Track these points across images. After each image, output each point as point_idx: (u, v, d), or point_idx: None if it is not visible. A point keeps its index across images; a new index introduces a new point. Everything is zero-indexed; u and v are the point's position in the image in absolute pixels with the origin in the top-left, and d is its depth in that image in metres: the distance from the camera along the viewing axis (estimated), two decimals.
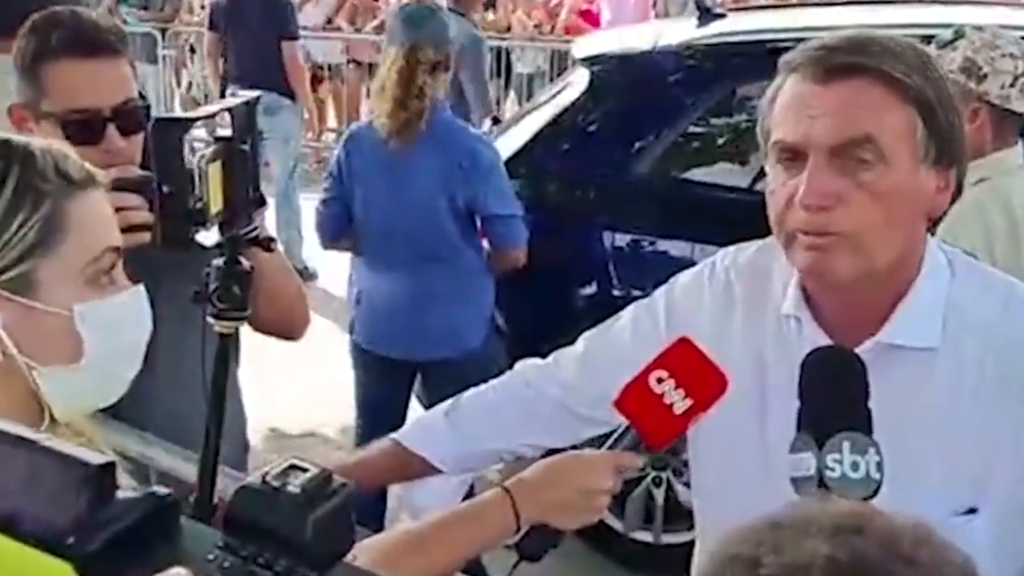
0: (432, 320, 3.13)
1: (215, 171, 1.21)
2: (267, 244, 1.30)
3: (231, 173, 1.23)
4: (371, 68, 8.24)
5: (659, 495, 3.41)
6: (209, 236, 1.24)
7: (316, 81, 8.76)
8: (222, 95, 6.45)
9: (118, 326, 1.09)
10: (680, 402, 1.20)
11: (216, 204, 1.21)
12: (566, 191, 3.57)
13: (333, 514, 0.69)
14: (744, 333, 1.33)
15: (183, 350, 1.51)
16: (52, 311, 1.04)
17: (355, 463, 1.53)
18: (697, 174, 3.59)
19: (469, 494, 2.82)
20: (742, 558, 0.62)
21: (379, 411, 3.24)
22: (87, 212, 1.06)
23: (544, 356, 1.54)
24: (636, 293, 3.49)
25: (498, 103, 8.69)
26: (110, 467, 0.71)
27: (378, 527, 2.99)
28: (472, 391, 1.55)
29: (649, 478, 3.40)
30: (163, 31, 8.71)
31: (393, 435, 1.52)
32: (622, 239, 3.48)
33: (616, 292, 3.47)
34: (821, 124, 1.14)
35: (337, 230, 3.23)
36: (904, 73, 1.14)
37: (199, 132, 1.36)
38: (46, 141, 1.08)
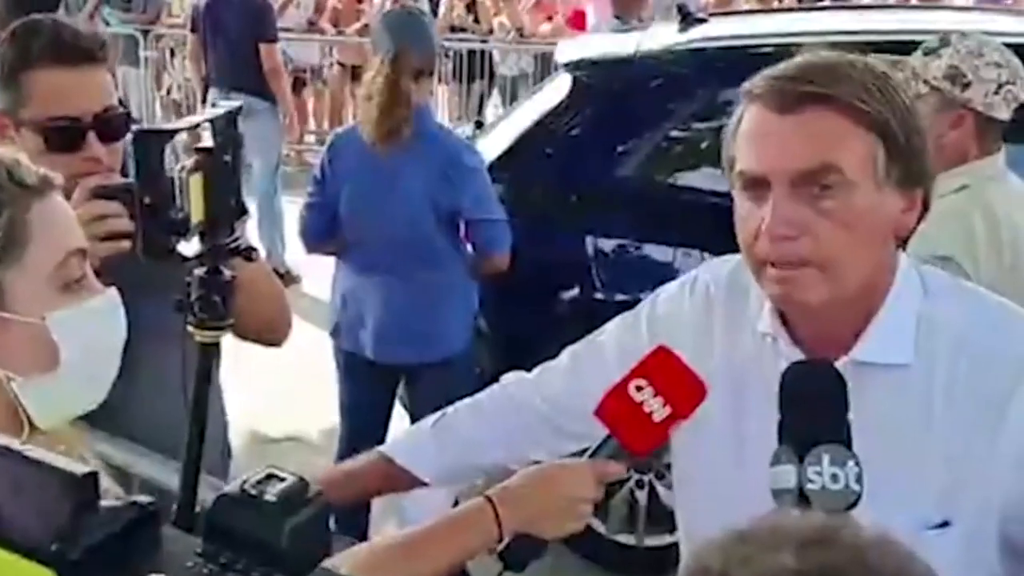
0: (416, 325, 3.14)
1: (196, 182, 1.21)
2: (248, 254, 1.31)
3: (212, 184, 1.23)
4: (355, 70, 8.25)
5: (642, 498, 3.43)
6: (190, 246, 1.24)
7: (298, 84, 8.75)
8: (204, 99, 6.44)
9: (93, 331, 1.09)
10: (659, 410, 1.21)
11: (197, 215, 1.22)
12: (549, 196, 3.59)
13: (309, 522, 0.71)
14: (723, 348, 1.34)
15: (165, 359, 1.52)
16: (25, 321, 1.04)
17: (343, 475, 1.54)
18: (680, 179, 3.61)
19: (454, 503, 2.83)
20: (712, 571, 0.63)
21: (363, 415, 3.26)
22: (47, 218, 1.06)
23: (527, 361, 1.55)
24: (619, 297, 3.53)
25: (481, 105, 8.73)
26: (92, 477, 0.72)
27: (362, 536, 3.00)
28: (458, 404, 1.56)
29: (632, 481, 3.42)
30: (145, 33, 8.68)
31: (380, 448, 1.53)
32: (605, 244, 3.50)
33: (599, 296, 3.49)
34: (782, 154, 1.16)
35: (321, 235, 3.24)
36: (862, 100, 1.15)
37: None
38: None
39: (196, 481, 1.27)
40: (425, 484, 1.52)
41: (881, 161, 1.16)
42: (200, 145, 1.24)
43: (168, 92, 9.11)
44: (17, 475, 0.72)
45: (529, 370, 1.57)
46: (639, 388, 1.21)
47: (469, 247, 3.21)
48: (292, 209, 3.42)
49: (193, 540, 0.74)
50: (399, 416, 3.37)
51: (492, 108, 8.86)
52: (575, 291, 3.54)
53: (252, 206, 6.27)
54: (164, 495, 1.55)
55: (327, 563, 1.05)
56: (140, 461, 1.73)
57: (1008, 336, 1.23)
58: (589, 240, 3.49)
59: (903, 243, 1.26)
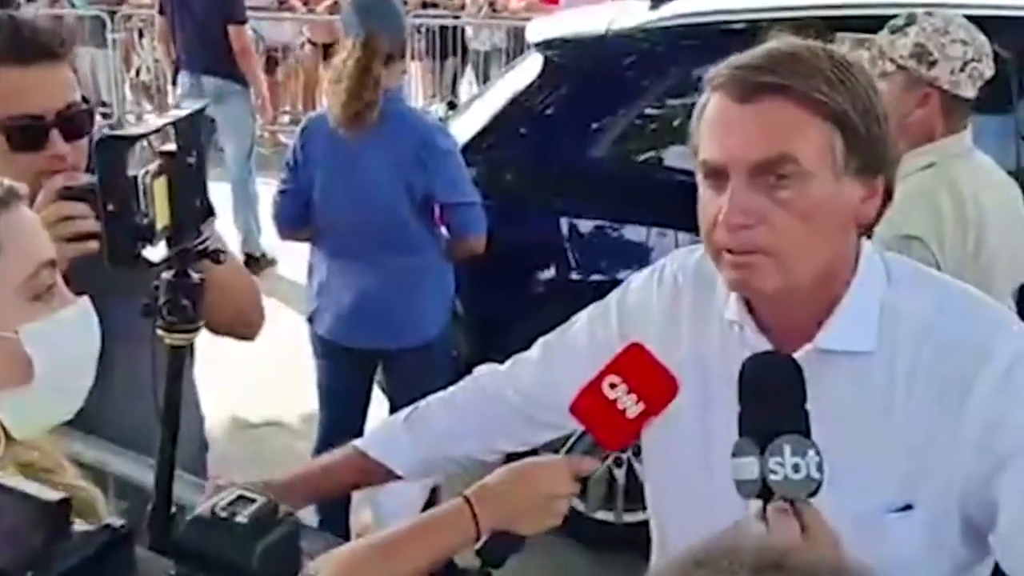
0: (392, 310, 3.13)
1: (161, 187, 1.20)
2: (216, 256, 1.30)
3: (177, 188, 1.22)
4: (327, 49, 8.18)
5: (620, 476, 3.45)
6: (157, 251, 1.23)
7: (271, 63, 8.68)
8: (174, 81, 6.37)
9: (66, 341, 1.09)
10: (633, 407, 1.21)
11: (163, 220, 1.21)
12: (523, 177, 3.59)
13: (279, 542, 0.71)
14: (690, 338, 1.35)
15: (137, 360, 1.51)
16: None
17: (320, 470, 1.55)
18: (654, 158, 3.62)
19: (433, 498, 2.84)
20: None
21: (341, 401, 3.26)
22: (15, 230, 1.05)
23: (505, 344, 1.56)
24: (596, 278, 3.54)
25: (455, 82, 8.68)
26: (65, 503, 0.73)
27: (344, 531, 3.01)
28: (431, 398, 1.57)
29: (610, 459, 3.44)
30: (112, 14, 8.57)
31: (355, 443, 1.54)
32: (580, 224, 3.50)
33: (575, 277, 3.51)
34: (740, 144, 1.17)
35: (295, 221, 3.23)
36: (820, 90, 1.16)
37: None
38: None
39: (170, 485, 1.27)
40: (400, 477, 1.54)
41: (839, 151, 1.17)
42: (163, 149, 1.23)
43: (137, 74, 9.01)
44: None
45: (506, 354, 1.59)
46: (612, 385, 1.22)
47: (444, 230, 3.21)
48: (267, 191, 3.41)
49: (165, 562, 0.74)
50: (378, 401, 3.38)
51: (467, 84, 8.83)
52: (551, 272, 3.54)
53: (226, 190, 6.25)
54: (140, 493, 1.55)
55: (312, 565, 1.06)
56: (115, 460, 1.73)
57: (970, 323, 1.24)
58: (564, 221, 3.50)
59: (867, 231, 1.27)
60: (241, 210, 6.25)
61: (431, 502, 2.54)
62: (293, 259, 4.54)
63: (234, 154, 6.27)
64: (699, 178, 1.23)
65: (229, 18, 6.05)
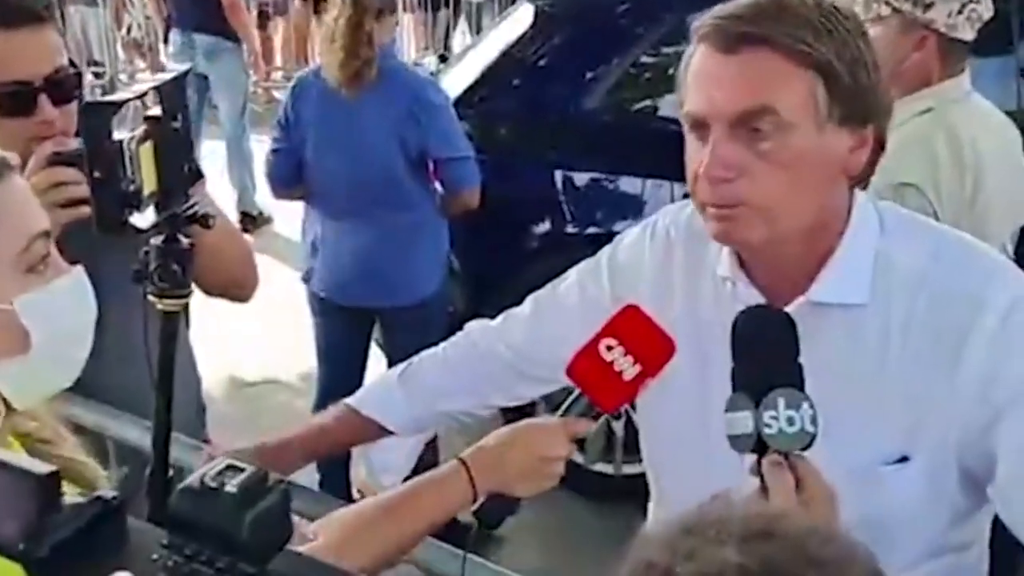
0: (387, 267, 3.13)
1: (147, 152, 1.19)
2: (205, 221, 1.30)
3: (163, 153, 1.21)
4: (316, 4, 8.08)
5: (618, 428, 3.47)
6: (145, 217, 1.23)
7: (263, 18, 8.58)
8: (165, 39, 6.31)
9: (62, 312, 1.09)
10: (629, 368, 1.21)
11: (150, 185, 1.20)
12: (516, 130, 3.57)
13: (269, 512, 0.71)
14: (683, 294, 1.35)
15: (131, 325, 1.51)
16: None
17: (316, 429, 1.56)
18: (648, 108, 3.59)
19: (431, 454, 2.85)
20: (657, 567, 0.64)
21: (339, 359, 3.27)
22: (7, 202, 1.05)
23: (500, 298, 1.56)
24: (591, 231, 3.53)
25: (447, 33, 8.60)
26: (55, 476, 0.73)
27: (345, 490, 3.03)
28: (423, 354, 1.58)
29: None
30: None
31: (348, 400, 1.55)
32: (575, 176, 3.49)
33: (571, 230, 3.50)
34: (720, 95, 1.16)
35: (288, 180, 3.22)
36: (803, 40, 1.14)
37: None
38: None
39: (167, 450, 1.28)
40: (392, 433, 1.54)
41: (822, 101, 1.16)
42: (148, 114, 1.22)
43: (128, 32, 8.90)
44: None
45: (501, 309, 1.59)
46: (609, 348, 1.21)
47: (438, 186, 3.19)
48: (261, 149, 3.39)
49: (158, 532, 0.74)
50: (377, 358, 3.39)
51: (460, 35, 8.74)
52: (546, 226, 3.53)
53: (221, 147, 6.22)
54: (139, 456, 1.56)
55: (310, 547, 1.07)
56: (113, 423, 1.74)
57: (965, 273, 1.23)
58: (559, 173, 3.48)
59: (860, 182, 1.26)
60: (236, 168, 6.23)
61: (431, 460, 2.56)
62: (289, 216, 4.53)
63: (228, 111, 6.23)
64: (685, 130, 1.22)
65: None
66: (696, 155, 1.19)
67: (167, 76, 1.25)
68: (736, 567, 0.61)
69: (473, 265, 3.49)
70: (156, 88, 1.22)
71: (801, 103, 1.15)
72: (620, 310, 1.23)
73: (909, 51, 2.18)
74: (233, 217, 5.98)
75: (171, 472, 1.37)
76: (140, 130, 1.20)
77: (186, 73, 1.29)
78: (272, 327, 4.40)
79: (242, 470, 0.72)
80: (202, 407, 2.08)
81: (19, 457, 0.76)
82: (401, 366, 1.58)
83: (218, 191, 5.85)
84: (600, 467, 3.52)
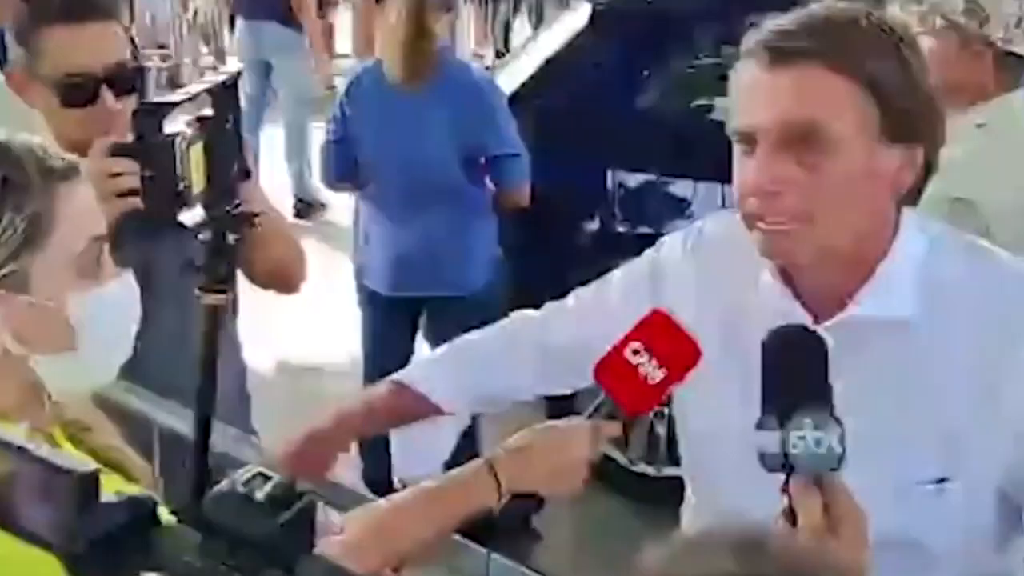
0: (436, 260, 3.16)
1: (197, 152, 1.22)
2: (251, 220, 1.33)
3: (213, 153, 1.24)
4: None
5: (661, 429, 3.47)
6: (193, 215, 1.26)
7: (324, 7, 8.65)
8: (231, 26, 6.41)
9: (109, 313, 1.13)
10: (654, 373, 1.23)
11: (199, 185, 1.24)
12: (569, 128, 3.57)
13: (295, 518, 0.74)
14: (725, 302, 1.35)
15: (182, 315, 1.55)
16: (45, 304, 1.08)
17: (361, 408, 1.58)
18: (702, 109, 3.57)
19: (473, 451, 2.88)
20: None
21: (385, 349, 3.30)
22: (71, 206, 1.09)
23: (548, 295, 1.58)
24: (641, 229, 3.53)
25: (507, 28, 8.61)
26: (94, 475, 0.76)
27: (388, 486, 3.06)
28: (468, 336, 1.60)
29: (651, 413, 3.46)
30: None
31: (395, 376, 1.57)
32: (626, 175, 3.49)
33: (620, 229, 3.50)
34: (768, 111, 1.16)
35: (341, 172, 3.26)
36: (856, 57, 1.14)
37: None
38: (27, 137, 1.10)
39: (207, 443, 1.31)
40: (439, 412, 1.55)
41: (873, 119, 1.15)
42: (200, 114, 1.25)
43: (194, 17, 9.05)
44: (25, 472, 0.76)
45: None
46: (635, 352, 1.23)
47: (489, 181, 3.21)
48: (320, 136, 3.46)
49: (192, 534, 0.77)
50: (421, 349, 3.42)
51: (519, 29, 8.75)
52: (596, 224, 3.54)
53: (281, 134, 6.30)
54: (184, 444, 1.60)
55: (337, 540, 1.10)
56: (161, 411, 1.78)
57: (1013, 295, 1.23)
58: (610, 171, 3.48)
59: (909, 199, 1.25)
60: (294, 155, 6.31)
61: (471, 450, 2.58)
62: (344, 205, 4.58)
63: (289, 99, 6.32)
64: (734, 145, 1.22)
65: None
66: (744, 169, 1.19)
67: (219, 78, 1.28)
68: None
69: (522, 260, 3.50)
70: (208, 90, 1.25)
71: (851, 119, 1.15)
72: (647, 315, 1.24)
73: (965, 65, 2.15)
74: (289, 203, 6.11)
75: (210, 464, 1.41)
76: (192, 131, 1.23)
77: (238, 75, 1.32)
78: (324, 315, 4.45)
79: (270, 478, 0.75)
80: (246, 395, 2.12)
81: (61, 454, 0.78)
82: (447, 345, 1.61)
83: (276, 177, 5.95)
84: (642, 468, 3.53)
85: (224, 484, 0.75)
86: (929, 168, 1.23)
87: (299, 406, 3.77)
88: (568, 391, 1.60)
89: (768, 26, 1.19)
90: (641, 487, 3.50)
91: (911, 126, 1.18)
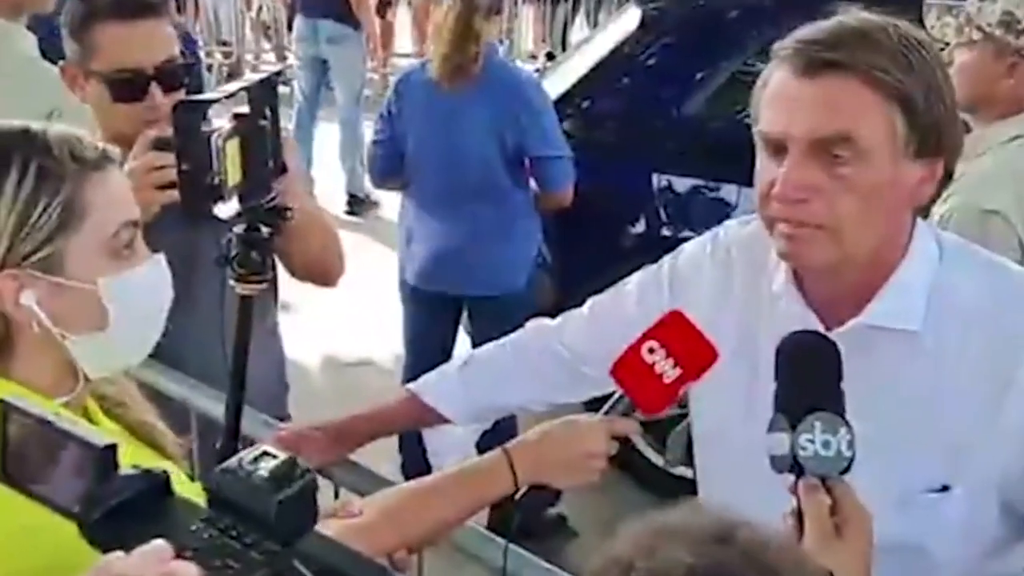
0: (478, 259, 3.20)
1: (233, 148, 1.27)
2: (284, 214, 1.38)
3: (249, 148, 1.29)
4: None
5: None
6: (228, 208, 1.31)
7: (383, 6, 8.75)
8: (289, 25, 6.52)
9: (139, 295, 1.18)
10: (670, 372, 1.25)
11: (234, 179, 1.28)
12: (616, 130, 3.59)
13: (296, 496, 0.78)
14: (740, 308, 1.37)
15: (221, 304, 1.61)
16: (78, 286, 1.13)
17: (380, 413, 1.64)
18: (748, 115, 3.56)
19: (509, 431, 2.92)
20: (620, 560, 0.68)
21: (426, 346, 3.35)
22: (104, 192, 1.14)
23: (589, 296, 1.60)
24: (686, 233, 3.51)
25: (565, 29, 8.63)
26: (112, 448, 0.81)
27: (425, 468, 3.11)
28: (485, 346, 1.64)
29: (689, 416, 3.46)
30: None
31: (409, 386, 1.62)
32: (672, 179, 3.50)
33: (665, 232, 3.51)
34: (800, 119, 1.17)
35: (387, 170, 3.31)
36: (886, 70, 1.15)
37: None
38: (62, 126, 1.15)
39: (238, 427, 1.36)
40: (447, 421, 1.61)
41: (900, 132, 1.17)
42: (237, 111, 1.30)
43: (258, 13, 9.20)
44: (50, 443, 0.82)
45: None
46: (651, 350, 1.26)
47: (532, 182, 3.24)
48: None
49: (201, 507, 0.82)
50: (464, 347, 3.46)
51: (578, 30, 8.77)
52: (640, 227, 3.55)
53: (335, 130, 6.39)
54: (219, 428, 1.66)
55: (354, 522, 1.14)
56: (198, 396, 1.84)
57: (1020, 314, 1.23)
58: (655, 175, 3.50)
59: (922, 211, 1.27)
60: (348, 151, 6.39)
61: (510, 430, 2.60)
62: (396, 202, 4.64)
63: (345, 96, 6.41)
64: (757, 149, 1.24)
65: None
66: (768, 173, 1.21)
67: (256, 77, 1.33)
68: (686, 567, 0.65)
69: (565, 261, 3.54)
70: (245, 88, 1.30)
71: (880, 132, 1.17)
72: (664, 315, 1.26)
73: (1000, 77, 2.14)
74: (342, 199, 6.19)
75: (241, 445, 1.46)
76: (228, 127, 1.28)
77: (277, 75, 1.37)
78: (369, 309, 4.51)
79: (275, 457, 0.79)
80: (285, 384, 2.17)
81: (83, 427, 0.83)
82: (463, 356, 1.65)
83: (330, 174, 6.02)
84: (681, 471, 3.53)
85: (231, 461, 0.79)
86: (944, 182, 1.24)
87: (339, 399, 3.84)
88: (581, 400, 1.63)
89: (801, 34, 1.21)
90: (679, 488, 3.50)
91: (935, 142, 1.20)
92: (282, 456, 0.79)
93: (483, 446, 1.55)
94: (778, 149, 1.20)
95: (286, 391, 2.17)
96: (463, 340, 3.46)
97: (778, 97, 1.21)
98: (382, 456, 1.60)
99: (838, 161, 1.16)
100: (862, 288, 1.25)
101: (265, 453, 0.79)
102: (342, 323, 4.60)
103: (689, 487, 3.72)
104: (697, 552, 0.66)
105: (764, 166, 1.23)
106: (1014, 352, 1.21)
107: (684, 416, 3.62)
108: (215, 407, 1.81)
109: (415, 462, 3.18)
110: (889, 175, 1.18)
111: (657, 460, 3.50)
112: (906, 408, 1.24)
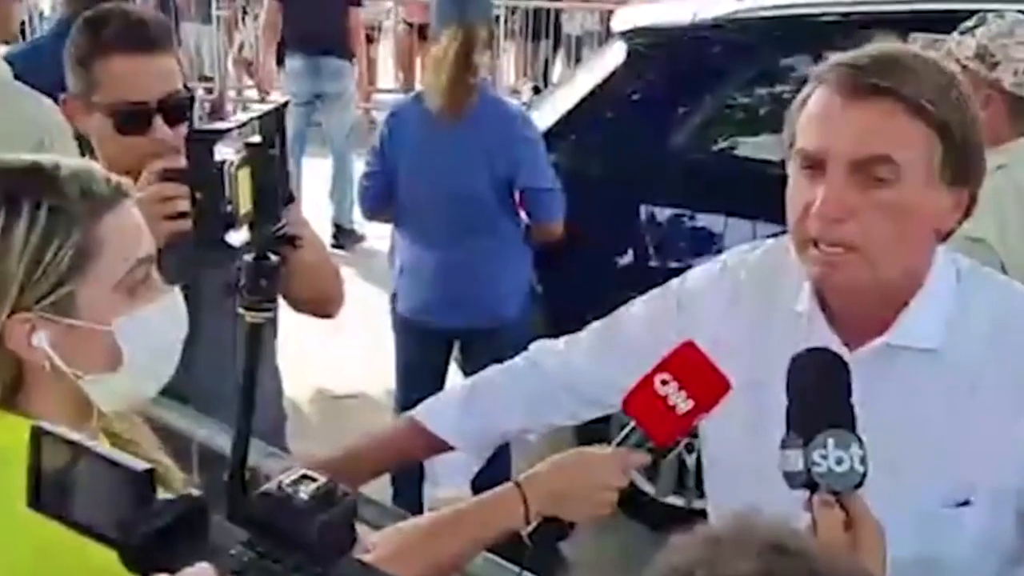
0: (470, 291, 3.22)
1: (244, 176, 1.28)
2: (293, 241, 1.38)
3: (259, 178, 1.29)
4: (421, 29, 8.27)
5: (691, 461, 3.49)
6: (239, 236, 1.31)
7: (367, 41, 8.82)
8: (279, 61, 6.54)
9: (155, 333, 1.17)
10: (683, 403, 1.27)
11: (245, 207, 1.29)
12: (604, 164, 3.63)
13: (336, 519, 0.79)
14: (752, 331, 1.39)
15: (224, 336, 1.61)
16: (91, 326, 1.11)
17: (378, 444, 1.63)
18: (735, 148, 3.62)
19: (506, 460, 2.91)
20: (678, 570, 0.69)
21: (418, 379, 3.35)
22: (117, 229, 1.12)
23: (580, 326, 1.61)
24: (673, 265, 3.56)
25: (546, 65, 8.71)
26: (150, 473, 0.81)
27: (419, 511, 3.09)
28: (487, 371, 1.64)
29: (682, 444, 3.47)
30: None
31: (411, 414, 1.62)
32: (659, 212, 3.54)
33: (653, 264, 3.54)
34: (843, 139, 1.20)
35: (378, 203, 3.33)
36: (928, 99, 1.19)
37: None
38: (74, 161, 1.13)
39: (245, 456, 1.35)
40: (451, 448, 1.60)
41: (937, 160, 1.20)
42: (248, 141, 1.30)
43: (240, 50, 9.23)
44: (88, 468, 0.82)
45: None
46: (664, 382, 1.27)
47: (523, 215, 3.27)
48: (362, 166, 3.55)
49: (238, 531, 0.82)
50: (454, 379, 3.46)
51: (559, 66, 8.85)
52: (629, 259, 3.58)
53: (325, 164, 6.41)
54: (222, 460, 1.65)
55: (367, 557, 1.14)
56: (201, 429, 1.84)
57: None
58: (643, 207, 3.53)
59: (947, 237, 1.30)
60: (339, 183, 6.42)
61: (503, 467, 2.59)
62: (382, 235, 4.65)
63: (339, 129, 6.43)
64: (792, 167, 1.26)
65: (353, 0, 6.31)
66: (805, 192, 1.23)
67: (267, 107, 1.34)
68: None
69: (555, 292, 3.55)
70: (257, 118, 1.31)
71: (918, 158, 1.20)
72: (677, 347, 1.28)
73: (977, 109, 2.19)
74: (328, 230, 6.20)
75: (248, 476, 1.46)
76: (240, 156, 1.29)
77: (285, 105, 1.38)
78: (360, 342, 4.51)
79: (315, 480, 0.80)
80: (283, 416, 2.17)
81: (120, 454, 0.84)
82: (465, 382, 1.65)
83: (315, 207, 6.03)
84: (672, 500, 3.54)
85: (270, 484, 0.80)
86: (968, 211, 1.28)
87: (329, 432, 3.82)
88: (583, 421, 1.63)
89: (846, 58, 1.24)
90: (671, 519, 3.51)
91: (965, 171, 1.23)
92: (322, 479, 0.79)
93: (478, 485, 1.56)
94: (817, 168, 1.22)
95: (284, 421, 2.17)
96: (455, 372, 3.47)
97: (820, 116, 1.23)
98: (373, 487, 1.59)
99: (876, 184, 1.19)
100: (887, 309, 1.28)
101: (304, 476, 0.80)
102: (332, 357, 4.59)
103: (679, 516, 3.76)
104: (758, 561, 0.67)
105: (799, 187, 1.25)
106: None
107: (676, 444, 3.65)
108: (219, 439, 1.81)
109: (408, 494, 3.17)
110: (924, 200, 1.21)
111: (647, 488, 3.51)
112: (927, 425, 1.27)
